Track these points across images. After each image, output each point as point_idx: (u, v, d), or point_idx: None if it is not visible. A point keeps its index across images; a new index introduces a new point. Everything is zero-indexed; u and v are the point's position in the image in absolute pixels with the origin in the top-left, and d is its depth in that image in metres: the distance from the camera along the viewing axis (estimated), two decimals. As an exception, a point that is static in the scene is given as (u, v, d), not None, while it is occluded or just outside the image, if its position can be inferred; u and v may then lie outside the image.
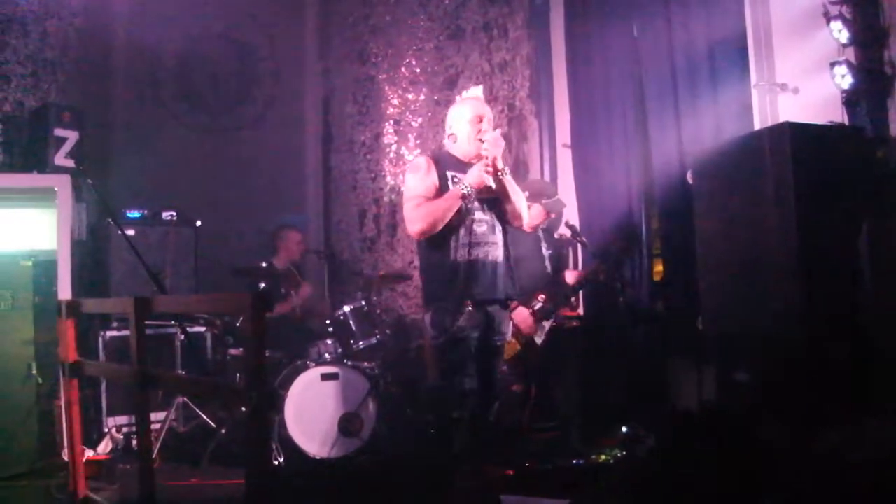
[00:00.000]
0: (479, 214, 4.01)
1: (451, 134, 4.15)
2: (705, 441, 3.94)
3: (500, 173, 3.98)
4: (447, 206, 3.91)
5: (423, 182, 4.01)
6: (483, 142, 3.98)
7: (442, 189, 3.98)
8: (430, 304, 4.07)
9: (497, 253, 4.05)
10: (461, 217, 3.95)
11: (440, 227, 3.92)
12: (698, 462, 3.81)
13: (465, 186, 3.91)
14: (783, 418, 3.91)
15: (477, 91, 4.32)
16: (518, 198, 4.12)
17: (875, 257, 4.02)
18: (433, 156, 4.17)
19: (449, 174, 4.02)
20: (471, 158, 4.07)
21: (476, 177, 3.93)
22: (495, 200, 4.07)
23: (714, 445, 3.86)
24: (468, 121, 4.09)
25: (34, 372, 5.44)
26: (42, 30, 6.09)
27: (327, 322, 5.82)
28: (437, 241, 4.01)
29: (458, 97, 4.46)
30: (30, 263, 5.60)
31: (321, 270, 7.19)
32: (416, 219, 3.98)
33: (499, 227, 4.10)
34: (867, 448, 3.72)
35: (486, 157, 3.94)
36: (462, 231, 3.96)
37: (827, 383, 3.87)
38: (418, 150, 7.45)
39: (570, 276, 5.39)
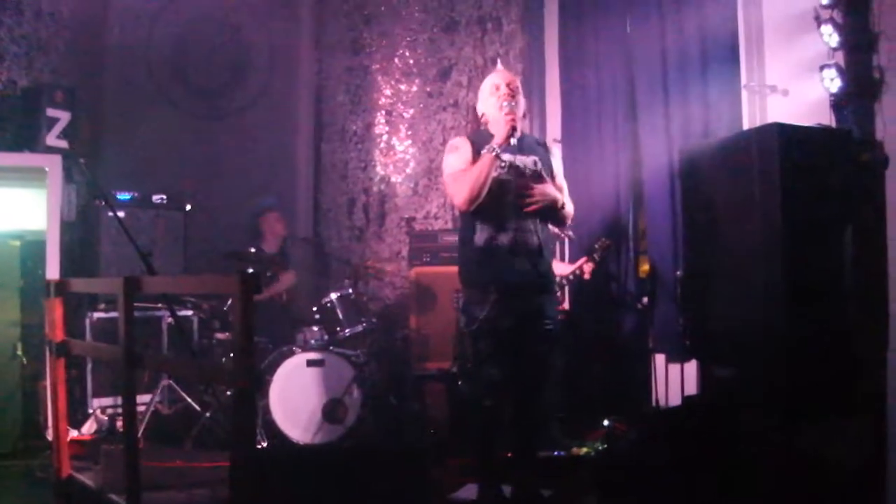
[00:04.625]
0: (510, 198, 3.92)
1: (482, 115, 4.16)
2: (687, 435, 3.99)
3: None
4: (481, 170, 3.83)
5: (460, 157, 3.99)
6: (504, 106, 3.94)
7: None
8: (463, 290, 4.08)
9: (528, 239, 3.95)
10: (490, 199, 3.88)
11: (482, 192, 3.84)
12: (679, 456, 3.86)
13: (491, 146, 3.85)
14: (765, 414, 3.97)
15: (498, 66, 4.33)
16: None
17: (858, 257, 4.08)
18: (469, 136, 4.16)
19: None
20: None
21: (500, 133, 3.90)
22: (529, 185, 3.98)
23: (695, 440, 3.91)
24: (488, 93, 4.10)
25: (19, 353, 5.45)
26: (37, 9, 6.08)
27: (314, 309, 5.85)
28: (467, 222, 4.02)
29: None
30: (17, 243, 5.61)
31: (309, 257, 7.24)
32: (457, 190, 3.93)
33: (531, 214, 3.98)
34: (846, 445, 3.79)
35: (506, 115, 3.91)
36: (489, 215, 3.92)
37: (809, 381, 3.92)
38: (409, 142, 7.50)
39: (560, 268, 5.41)
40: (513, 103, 3.95)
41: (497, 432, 4.00)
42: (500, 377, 3.91)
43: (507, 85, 4.04)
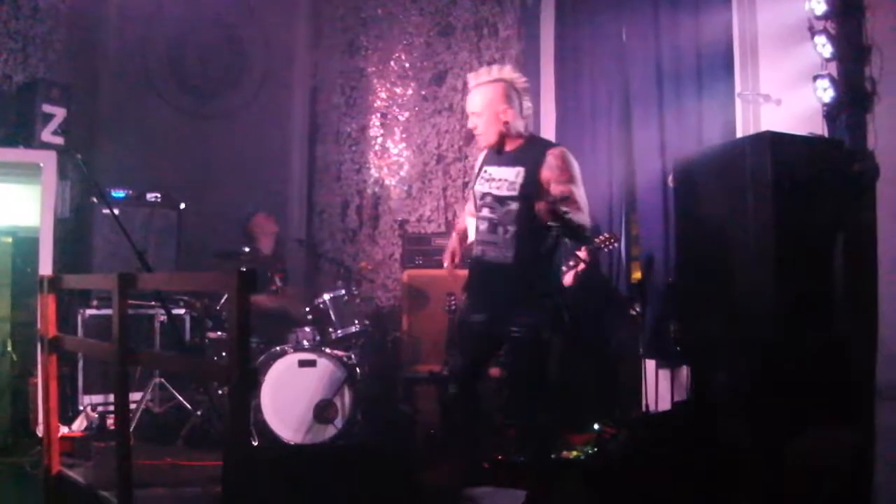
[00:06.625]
0: (484, 212, 3.96)
1: None
2: (676, 440, 4.01)
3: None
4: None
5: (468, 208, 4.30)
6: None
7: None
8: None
9: (496, 253, 3.91)
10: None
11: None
12: (669, 461, 3.88)
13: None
14: (755, 421, 3.99)
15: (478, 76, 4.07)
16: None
17: (849, 265, 4.11)
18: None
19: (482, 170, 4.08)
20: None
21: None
22: (507, 199, 3.88)
23: (685, 445, 3.94)
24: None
25: (9, 349, 5.44)
26: (33, 5, 6.06)
27: (307, 310, 5.86)
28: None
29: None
30: (9, 240, 5.59)
31: (302, 259, 7.25)
32: None
33: (506, 228, 3.88)
34: (835, 450, 3.81)
35: None
36: (475, 229, 4.07)
37: (800, 388, 3.95)
38: (403, 145, 7.52)
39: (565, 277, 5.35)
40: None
41: (467, 420, 4.13)
42: (460, 364, 4.08)
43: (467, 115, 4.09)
